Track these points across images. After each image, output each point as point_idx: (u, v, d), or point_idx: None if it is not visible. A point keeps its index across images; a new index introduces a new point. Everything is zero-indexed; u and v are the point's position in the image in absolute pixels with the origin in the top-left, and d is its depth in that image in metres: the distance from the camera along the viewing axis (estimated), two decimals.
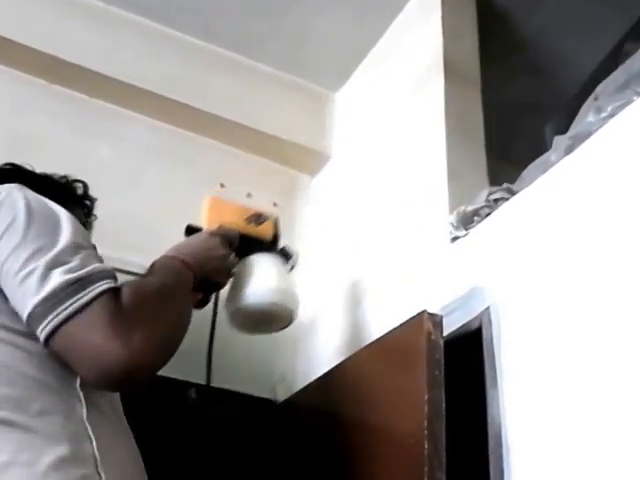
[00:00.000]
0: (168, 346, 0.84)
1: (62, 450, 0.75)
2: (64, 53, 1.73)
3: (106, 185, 1.61)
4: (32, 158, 1.18)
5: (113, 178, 1.68)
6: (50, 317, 0.76)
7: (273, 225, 1.23)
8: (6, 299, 0.81)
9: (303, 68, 2.01)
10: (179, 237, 1.67)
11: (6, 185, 0.90)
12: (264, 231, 1.21)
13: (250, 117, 1.91)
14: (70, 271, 0.78)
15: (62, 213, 0.88)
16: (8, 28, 1.69)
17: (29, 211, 0.84)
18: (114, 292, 0.80)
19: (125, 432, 0.90)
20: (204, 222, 1.17)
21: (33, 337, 0.79)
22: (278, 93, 2.00)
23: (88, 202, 1.21)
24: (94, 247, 0.91)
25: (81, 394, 0.81)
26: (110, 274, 0.82)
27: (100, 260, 0.85)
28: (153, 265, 0.94)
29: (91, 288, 0.78)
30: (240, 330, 1.17)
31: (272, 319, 1.16)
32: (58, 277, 0.77)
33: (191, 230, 1.16)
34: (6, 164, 1.14)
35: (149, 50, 1.87)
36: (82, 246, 0.84)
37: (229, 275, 1.14)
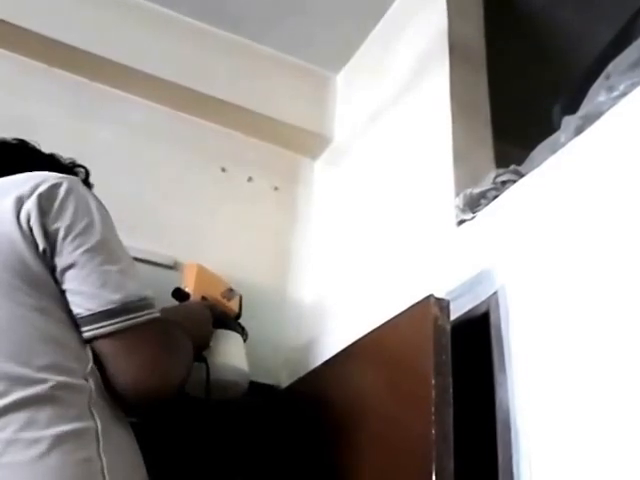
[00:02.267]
0: (185, 378, 0.94)
1: (66, 430, 0.77)
2: (63, 36, 1.71)
3: (106, 168, 1.60)
4: (32, 141, 1.16)
5: (113, 161, 1.67)
6: (120, 317, 0.84)
7: (239, 302, 1.39)
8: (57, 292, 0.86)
9: (304, 50, 1.99)
10: (179, 221, 1.68)
11: (62, 175, 0.93)
12: (233, 307, 1.37)
13: (251, 100, 1.89)
14: (139, 288, 0.88)
15: (110, 219, 0.95)
16: (6, 11, 1.66)
17: (102, 216, 0.91)
18: (161, 321, 0.90)
19: (124, 419, 0.91)
20: (191, 289, 1.30)
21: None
22: (279, 75, 1.98)
23: (89, 187, 1.20)
24: None
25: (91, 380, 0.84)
26: (152, 304, 0.90)
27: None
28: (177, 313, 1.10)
29: (151, 310, 0.88)
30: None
31: (228, 389, 1.29)
32: (133, 288, 0.87)
33: (180, 294, 1.29)
34: (13, 139, 1.14)
35: (150, 32, 1.85)
36: (128, 264, 0.92)
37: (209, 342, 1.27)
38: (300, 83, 2.00)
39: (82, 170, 1.19)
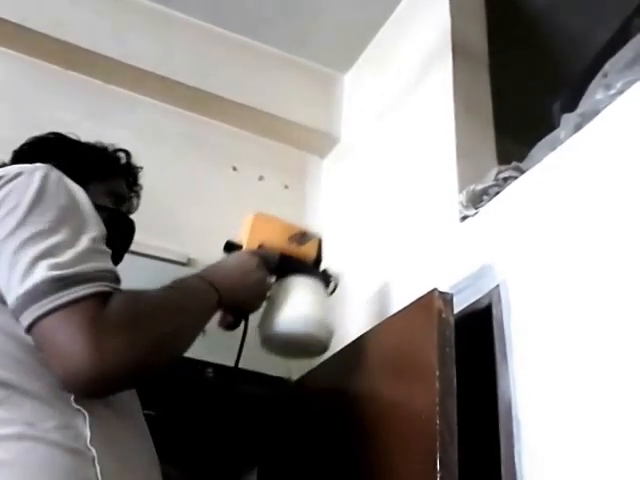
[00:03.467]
0: (150, 360, 0.78)
1: (51, 424, 0.74)
2: (78, 39, 1.75)
3: None
4: (69, 134, 1.17)
5: None
6: (29, 310, 0.73)
7: (316, 246, 1.17)
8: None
9: (312, 50, 2.01)
10: (192, 219, 1.72)
11: (35, 165, 0.86)
12: (306, 252, 1.15)
13: (260, 100, 1.92)
14: (56, 267, 0.74)
15: (82, 204, 0.84)
16: (21, 15, 1.71)
17: (40, 193, 0.80)
18: (103, 297, 0.75)
19: (134, 426, 0.87)
20: (244, 240, 1.13)
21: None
22: (287, 75, 2.01)
23: (133, 171, 1.20)
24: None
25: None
26: (107, 277, 0.78)
27: (106, 260, 0.81)
28: (176, 280, 0.90)
29: (75, 289, 0.74)
30: (272, 354, 1.15)
31: (303, 348, 1.13)
32: (42, 272, 0.74)
33: (230, 247, 1.13)
34: (50, 133, 1.14)
35: (161, 35, 1.88)
36: (88, 240, 0.79)
37: (263, 299, 1.08)
38: (309, 83, 2.03)
39: (123, 155, 1.18)
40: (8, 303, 0.76)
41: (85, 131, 1.69)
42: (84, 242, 0.78)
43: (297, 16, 1.92)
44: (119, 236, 1.08)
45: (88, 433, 0.75)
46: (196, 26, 1.95)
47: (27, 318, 0.73)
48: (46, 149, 1.10)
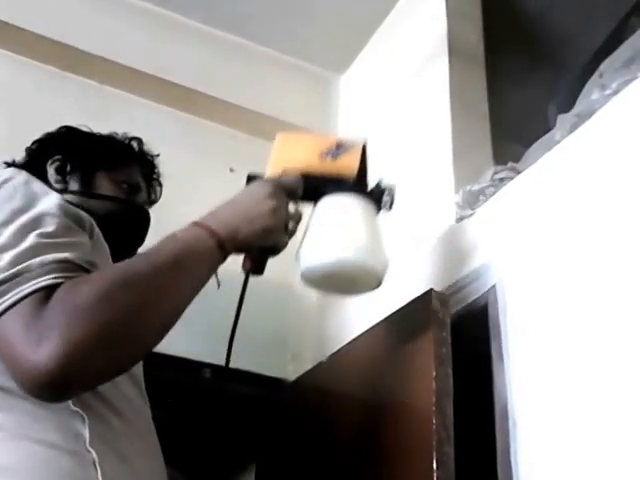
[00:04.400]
0: (101, 356, 0.67)
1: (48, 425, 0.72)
2: (74, 40, 1.75)
3: None
4: (81, 126, 1.18)
5: None
6: None
7: (357, 157, 0.95)
8: None
9: (308, 51, 2.02)
10: (189, 220, 1.70)
11: (3, 170, 0.85)
12: (344, 166, 0.94)
13: (256, 101, 1.92)
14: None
15: (41, 204, 0.77)
16: (18, 16, 1.71)
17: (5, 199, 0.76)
18: (47, 291, 0.68)
19: (138, 427, 0.84)
20: (268, 167, 0.96)
21: None
22: (284, 77, 2.01)
23: (147, 158, 1.17)
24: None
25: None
26: (58, 268, 0.70)
27: (61, 250, 0.72)
28: (165, 237, 0.81)
29: (14, 291, 0.67)
30: (315, 289, 0.98)
31: (353, 282, 0.94)
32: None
33: (250, 180, 0.96)
34: (61, 127, 1.14)
35: (157, 36, 1.89)
36: (35, 237, 0.72)
37: (282, 231, 0.90)
38: (305, 85, 2.03)
39: (135, 144, 1.17)
40: None
41: None
42: (30, 240, 0.71)
43: (294, 17, 1.92)
44: (129, 226, 1.07)
45: (87, 434, 0.73)
46: (192, 27, 1.95)
47: None
48: (54, 144, 1.11)
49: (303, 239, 0.93)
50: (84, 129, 1.15)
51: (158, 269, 0.74)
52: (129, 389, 0.84)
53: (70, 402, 0.74)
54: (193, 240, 0.80)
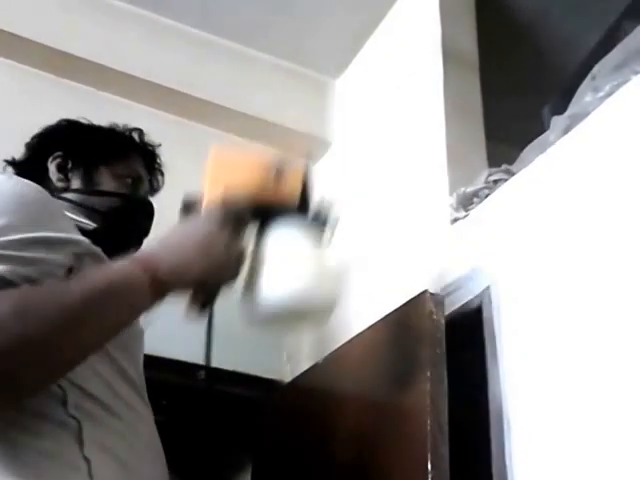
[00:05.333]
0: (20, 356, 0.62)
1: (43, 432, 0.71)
2: (70, 47, 1.76)
3: None
4: (80, 118, 1.14)
5: None
6: None
7: (298, 182, 0.87)
8: None
9: (303, 56, 2.02)
10: None
11: None
12: (287, 192, 0.86)
13: (252, 106, 1.93)
14: None
15: (14, 206, 0.74)
16: (14, 23, 1.72)
17: None
18: None
19: (138, 434, 0.81)
20: (205, 187, 0.88)
21: None
22: (278, 81, 2.02)
23: (148, 149, 1.14)
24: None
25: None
26: None
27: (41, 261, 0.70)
28: (96, 269, 0.76)
29: None
30: (264, 328, 0.91)
31: (303, 319, 0.87)
32: None
33: (187, 207, 0.88)
34: (61, 121, 1.11)
35: (152, 42, 1.89)
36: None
37: (232, 267, 0.83)
38: (300, 89, 2.04)
39: (135, 135, 1.14)
40: None
41: None
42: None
43: (289, 22, 1.93)
44: (133, 221, 1.05)
45: (84, 441, 0.72)
46: (188, 33, 1.96)
47: None
48: (54, 139, 1.09)
49: (248, 277, 0.85)
50: (84, 122, 1.11)
51: (67, 300, 0.67)
52: (128, 394, 0.82)
53: (64, 408, 0.73)
54: (122, 282, 0.71)
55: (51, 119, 1.70)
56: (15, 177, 0.85)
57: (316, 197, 0.90)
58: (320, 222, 0.87)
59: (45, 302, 0.65)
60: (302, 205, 0.87)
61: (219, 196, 0.85)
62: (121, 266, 0.72)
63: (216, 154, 0.90)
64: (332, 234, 0.89)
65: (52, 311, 0.65)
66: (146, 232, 1.08)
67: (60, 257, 0.74)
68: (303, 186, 0.87)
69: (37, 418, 0.72)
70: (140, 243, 1.03)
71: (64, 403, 0.73)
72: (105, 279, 0.70)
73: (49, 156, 1.04)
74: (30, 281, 0.68)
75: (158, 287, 0.72)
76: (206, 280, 0.79)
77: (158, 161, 1.16)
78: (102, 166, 1.05)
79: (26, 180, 0.81)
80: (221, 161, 0.90)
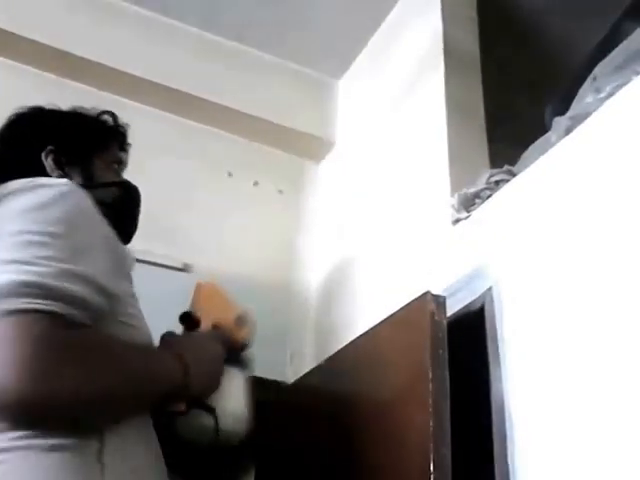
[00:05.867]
0: (72, 401, 0.71)
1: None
2: (74, 47, 1.76)
3: None
4: (50, 105, 1.14)
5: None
6: None
7: (249, 331, 1.14)
8: None
9: (306, 56, 2.03)
10: (188, 225, 1.73)
11: (61, 181, 0.87)
12: (242, 336, 1.12)
13: (255, 106, 1.93)
14: (29, 273, 0.71)
15: (96, 228, 0.83)
16: (17, 24, 1.72)
17: (63, 212, 0.80)
18: (61, 319, 0.71)
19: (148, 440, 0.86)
20: (201, 312, 1.08)
21: None
22: (281, 82, 2.02)
23: (121, 131, 1.15)
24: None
25: None
26: (76, 302, 0.73)
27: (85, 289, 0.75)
28: (150, 347, 0.88)
29: (35, 300, 0.70)
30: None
31: (228, 439, 1.05)
32: (12, 275, 0.70)
33: (190, 321, 1.06)
34: (35, 107, 1.09)
35: (154, 42, 1.90)
36: (81, 265, 0.75)
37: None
38: (303, 89, 2.04)
39: (109, 117, 1.13)
40: None
41: None
42: (75, 263, 0.75)
43: (291, 23, 1.93)
44: (131, 208, 1.09)
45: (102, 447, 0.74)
46: (190, 33, 1.96)
47: None
48: (39, 131, 1.05)
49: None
50: (55, 108, 1.09)
51: (137, 375, 0.80)
52: None
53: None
54: (168, 370, 0.85)
55: None
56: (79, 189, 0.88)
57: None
58: (246, 365, 1.11)
59: (131, 365, 0.79)
60: (242, 348, 1.11)
61: (210, 324, 1.06)
62: (172, 362, 0.86)
63: (211, 291, 1.13)
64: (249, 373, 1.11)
65: (128, 374, 0.78)
66: (138, 215, 1.12)
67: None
68: (251, 336, 1.13)
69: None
70: (136, 228, 1.09)
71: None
72: (162, 367, 0.84)
73: (39, 150, 1.01)
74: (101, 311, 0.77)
75: (186, 394, 0.87)
76: (208, 386, 0.94)
77: (128, 141, 1.16)
78: (94, 157, 1.05)
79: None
80: (211, 295, 1.13)
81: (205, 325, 1.06)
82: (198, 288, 1.12)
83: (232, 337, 1.07)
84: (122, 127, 1.14)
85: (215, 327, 1.06)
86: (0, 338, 0.68)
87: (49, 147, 1.02)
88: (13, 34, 1.71)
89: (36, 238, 0.75)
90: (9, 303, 0.69)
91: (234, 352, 1.07)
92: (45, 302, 0.70)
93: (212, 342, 0.99)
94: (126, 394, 0.78)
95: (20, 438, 0.70)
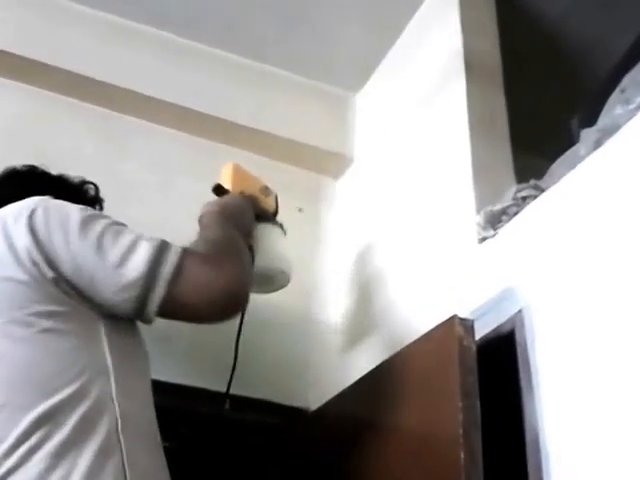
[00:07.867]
0: (248, 278, 0.99)
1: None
2: (92, 72, 1.77)
3: (134, 198, 1.64)
4: (41, 165, 1.20)
5: (141, 191, 1.71)
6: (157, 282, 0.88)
7: (275, 199, 1.38)
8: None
9: (322, 71, 2.01)
10: None
11: (35, 198, 0.93)
12: (270, 203, 1.36)
13: (272, 124, 1.91)
14: (148, 239, 0.91)
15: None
16: (36, 50, 1.73)
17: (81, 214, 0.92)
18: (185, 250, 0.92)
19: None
20: (229, 185, 1.28)
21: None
22: (298, 98, 2.00)
23: (98, 204, 1.24)
24: None
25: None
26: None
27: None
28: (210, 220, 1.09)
29: (173, 251, 0.91)
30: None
31: (273, 282, 1.34)
32: (146, 247, 0.89)
33: (220, 190, 1.27)
34: (24, 165, 1.18)
35: (172, 63, 1.89)
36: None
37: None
38: (320, 105, 2.02)
39: (92, 187, 1.23)
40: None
41: (99, 161, 1.73)
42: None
43: (307, 38, 1.92)
44: None
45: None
46: (205, 52, 1.96)
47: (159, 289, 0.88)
48: (17, 182, 1.14)
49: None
50: (44, 168, 1.19)
51: (235, 237, 1.06)
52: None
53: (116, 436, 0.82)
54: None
55: (75, 142, 1.72)
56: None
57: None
58: (282, 226, 1.37)
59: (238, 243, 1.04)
60: (275, 213, 1.37)
61: (238, 192, 1.28)
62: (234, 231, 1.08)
63: (235, 167, 1.33)
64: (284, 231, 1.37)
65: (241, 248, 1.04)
66: None
67: None
68: (277, 202, 1.38)
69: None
70: None
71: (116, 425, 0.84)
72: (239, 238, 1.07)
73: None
74: None
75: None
76: (244, 232, 1.13)
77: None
78: None
79: None
80: (239, 171, 1.33)
81: (233, 193, 1.27)
82: (224, 168, 1.32)
83: (260, 202, 1.30)
84: (100, 200, 1.24)
85: (242, 193, 1.27)
86: (192, 264, 0.90)
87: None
88: (31, 60, 1.72)
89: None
90: (173, 252, 0.90)
91: (267, 214, 1.32)
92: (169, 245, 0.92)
93: (242, 200, 1.23)
94: (246, 256, 1.04)
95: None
